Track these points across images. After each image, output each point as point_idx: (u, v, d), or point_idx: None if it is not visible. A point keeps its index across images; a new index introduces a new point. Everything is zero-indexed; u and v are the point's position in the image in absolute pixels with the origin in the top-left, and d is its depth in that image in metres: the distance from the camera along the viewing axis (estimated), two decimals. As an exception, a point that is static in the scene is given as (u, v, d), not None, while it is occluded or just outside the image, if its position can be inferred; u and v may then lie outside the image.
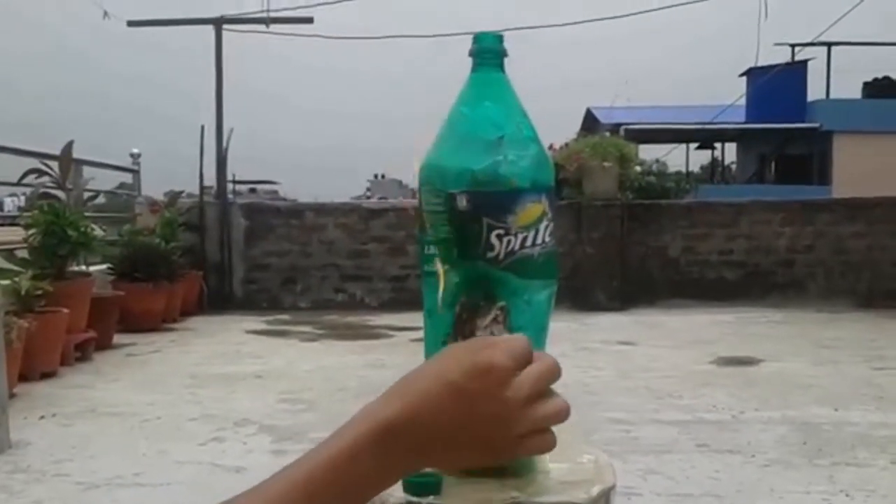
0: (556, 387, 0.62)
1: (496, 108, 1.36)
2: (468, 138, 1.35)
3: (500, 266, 1.33)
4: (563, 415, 0.60)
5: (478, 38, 1.39)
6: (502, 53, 1.38)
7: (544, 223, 1.35)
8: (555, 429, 0.62)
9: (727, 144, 26.35)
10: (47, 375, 4.66)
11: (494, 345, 0.59)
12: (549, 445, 0.60)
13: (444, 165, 1.35)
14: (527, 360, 0.59)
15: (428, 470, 0.65)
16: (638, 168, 9.30)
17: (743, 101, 20.94)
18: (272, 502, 0.56)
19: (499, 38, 1.39)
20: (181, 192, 8.37)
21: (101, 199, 7.77)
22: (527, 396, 0.58)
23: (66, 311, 4.84)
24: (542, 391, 0.59)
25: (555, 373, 0.60)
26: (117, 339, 5.92)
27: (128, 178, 8.59)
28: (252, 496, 0.57)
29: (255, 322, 7.05)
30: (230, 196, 9.39)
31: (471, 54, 1.40)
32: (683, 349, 5.68)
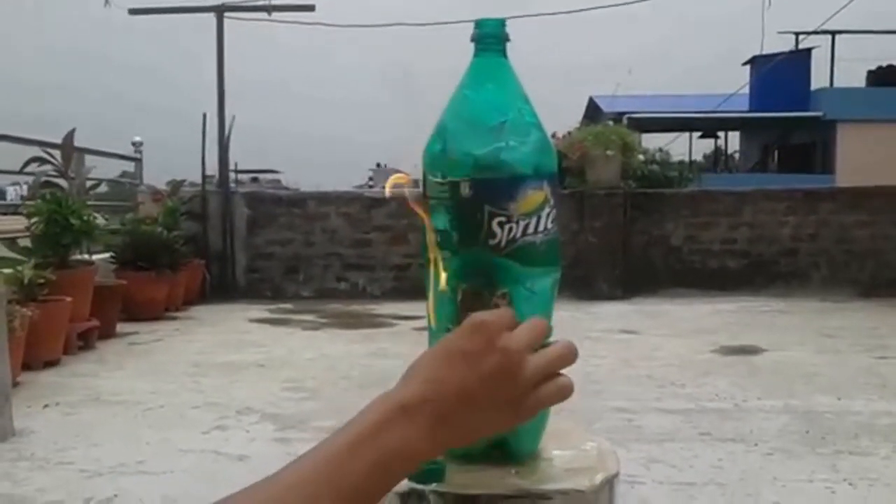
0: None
1: (498, 93, 1.35)
2: (470, 123, 1.34)
3: (502, 253, 1.32)
4: (569, 354, 0.62)
5: (479, 23, 1.38)
6: (504, 38, 1.37)
7: (546, 210, 1.34)
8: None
9: (730, 133, 26.29)
10: (50, 364, 4.67)
11: (483, 312, 0.63)
12: (566, 388, 0.62)
13: (446, 151, 1.34)
14: (514, 322, 0.62)
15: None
16: (641, 157, 9.27)
17: (746, 90, 20.89)
18: (298, 484, 0.56)
19: (501, 22, 1.38)
20: (183, 180, 8.36)
21: (103, 188, 7.76)
22: (525, 345, 0.60)
23: (68, 299, 4.84)
24: (538, 342, 0.62)
25: (545, 327, 0.63)
26: (120, 327, 5.93)
27: (130, 166, 8.59)
28: (276, 479, 0.56)
29: (258, 311, 7.06)
30: (232, 185, 9.38)
31: (473, 39, 1.39)
32: (686, 338, 5.67)
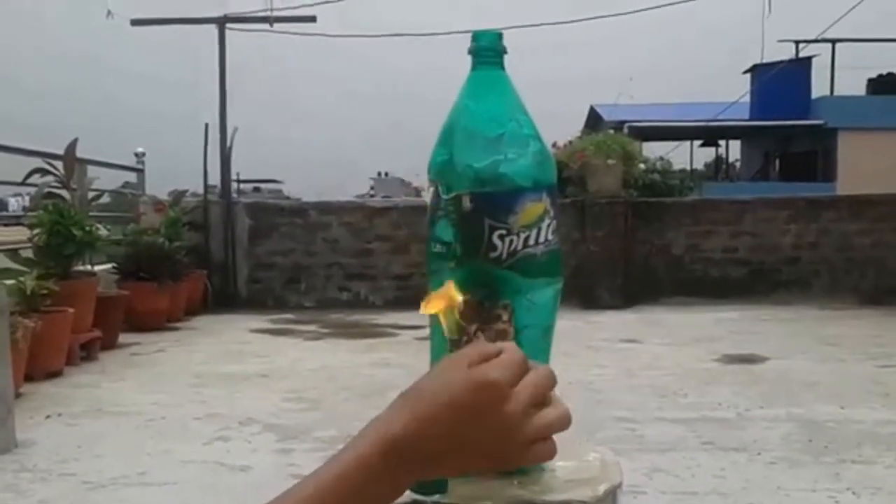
0: (560, 388, 0.62)
1: (497, 105, 1.36)
2: (471, 134, 1.34)
3: (503, 266, 1.32)
4: (564, 422, 0.62)
5: (476, 36, 1.39)
6: (501, 51, 1.38)
7: (546, 221, 1.34)
8: (559, 433, 0.62)
9: (731, 142, 26.32)
10: (53, 375, 4.67)
11: (489, 357, 0.60)
12: (551, 453, 0.62)
13: (450, 162, 1.35)
14: (522, 371, 0.61)
15: None
16: (642, 166, 9.28)
17: (747, 99, 20.91)
18: None
19: (498, 35, 1.39)
20: (185, 191, 8.37)
21: (105, 199, 7.77)
22: (525, 407, 0.59)
23: (71, 310, 4.84)
24: (540, 400, 0.61)
25: (550, 382, 0.62)
26: (122, 338, 5.93)
27: (132, 177, 8.60)
28: None
29: (260, 321, 7.06)
30: (234, 195, 9.39)
31: (470, 52, 1.39)
32: (688, 347, 5.67)
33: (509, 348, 0.62)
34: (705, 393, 4.25)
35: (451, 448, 0.59)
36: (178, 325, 6.84)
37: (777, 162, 24.68)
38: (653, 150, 14.18)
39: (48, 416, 3.87)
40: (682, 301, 7.80)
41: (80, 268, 5.62)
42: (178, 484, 2.95)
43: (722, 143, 26.48)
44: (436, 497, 1.28)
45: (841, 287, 8.02)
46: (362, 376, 4.73)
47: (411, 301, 7.36)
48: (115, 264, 6.63)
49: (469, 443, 0.59)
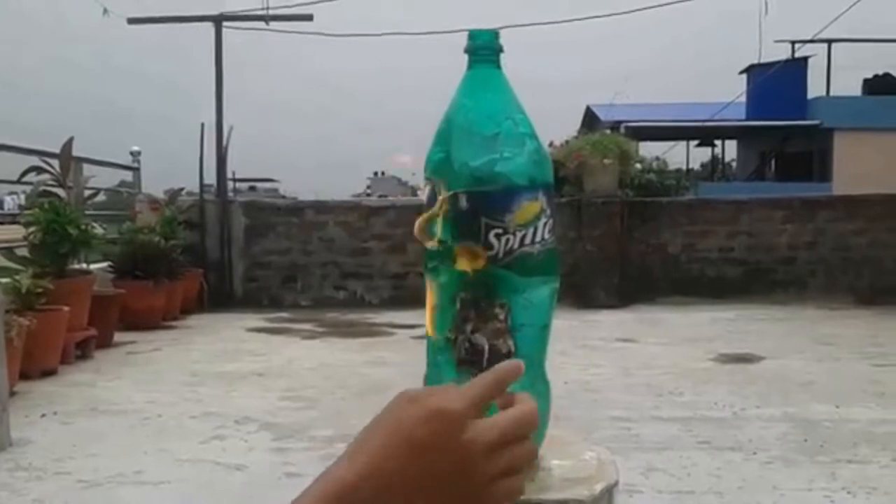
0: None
1: (493, 104, 1.36)
2: (467, 133, 1.34)
3: (500, 264, 1.33)
4: (529, 456, 0.57)
5: (473, 35, 1.39)
6: (498, 50, 1.38)
7: (543, 220, 1.35)
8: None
9: (727, 142, 26.35)
10: (48, 373, 4.66)
11: (447, 389, 0.56)
12: (518, 491, 0.57)
13: (447, 160, 1.35)
14: (485, 402, 0.56)
15: None
16: (638, 165, 9.28)
17: (743, 99, 20.93)
18: None
19: (494, 34, 1.39)
20: (181, 189, 8.37)
21: (101, 197, 7.76)
22: (489, 443, 0.55)
23: (66, 309, 4.84)
24: (511, 439, 0.56)
25: (526, 420, 0.57)
26: (118, 337, 5.92)
27: (128, 175, 8.59)
28: None
29: (256, 320, 7.05)
30: (230, 194, 9.38)
31: (466, 51, 1.39)
32: (684, 346, 5.67)
33: (478, 378, 0.57)
34: (701, 392, 4.26)
35: (403, 492, 0.54)
36: (174, 323, 6.83)
37: (773, 162, 24.71)
38: (649, 149, 14.21)
39: (43, 415, 3.86)
40: (679, 300, 7.81)
41: (76, 266, 5.61)
42: (174, 483, 2.95)
43: (718, 143, 26.52)
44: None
45: (837, 287, 8.04)
46: (358, 375, 4.73)
47: (407, 300, 7.39)
48: (110, 263, 6.62)
49: (427, 484, 0.54)
